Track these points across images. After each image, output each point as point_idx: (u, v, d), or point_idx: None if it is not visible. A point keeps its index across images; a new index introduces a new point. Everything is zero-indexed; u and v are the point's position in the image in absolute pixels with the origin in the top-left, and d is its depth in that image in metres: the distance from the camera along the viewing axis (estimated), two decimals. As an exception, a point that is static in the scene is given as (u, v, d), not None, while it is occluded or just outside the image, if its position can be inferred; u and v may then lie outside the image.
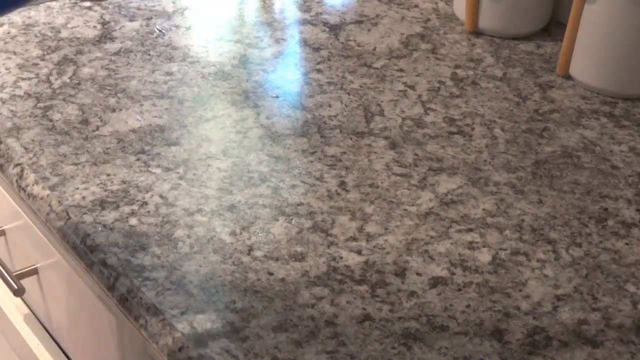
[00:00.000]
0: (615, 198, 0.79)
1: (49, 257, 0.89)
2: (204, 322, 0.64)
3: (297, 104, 0.90)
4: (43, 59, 0.96)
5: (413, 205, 0.77)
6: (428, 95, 0.93)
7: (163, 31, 1.03)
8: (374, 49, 1.01)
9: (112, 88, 0.91)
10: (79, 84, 0.92)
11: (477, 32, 1.05)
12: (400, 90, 0.93)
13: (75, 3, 1.09)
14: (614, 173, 0.82)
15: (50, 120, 0.86)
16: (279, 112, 0.89)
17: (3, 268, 0.91)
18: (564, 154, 0.84)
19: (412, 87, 0.94)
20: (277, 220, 0.74)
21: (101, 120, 0.86)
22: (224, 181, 0.78)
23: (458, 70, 0.97)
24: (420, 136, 0.86)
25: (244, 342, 0.63)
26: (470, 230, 0.74)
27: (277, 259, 0.70)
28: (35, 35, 1.01)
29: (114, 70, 0.94)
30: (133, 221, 0.74)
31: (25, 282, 0.93)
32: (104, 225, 0.73)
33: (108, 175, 0.79)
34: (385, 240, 0.73)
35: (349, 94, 0.92)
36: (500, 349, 0.63)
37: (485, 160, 0.83)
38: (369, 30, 1.05)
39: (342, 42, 1.02)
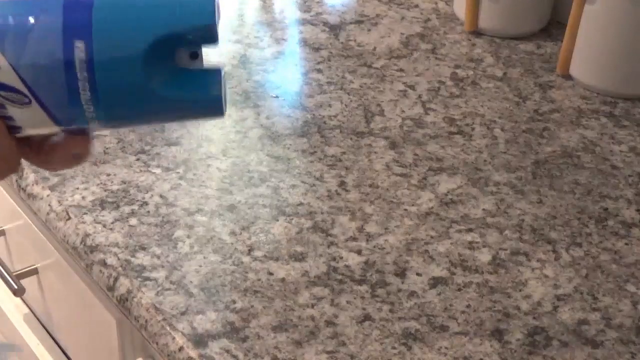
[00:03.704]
0: (615, 198, 0.79)
1: (49, 257, 0.89)
2: (204, 322, 0.64)
3: (297, 104, 0.90)
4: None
5: (413, 205, 0.77)
6: (428, 95, 0.93)
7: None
8: (374, 49, 1.01)
9: (112, 88, 0.91)
10: (79, 84, 0.91)
11: (477, 32, 1.05)
12: (400, 90, 0.93)
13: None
14: (614, 173, 0.82)
15: (50, 120, 0.85)
16: (279, 112, 0.89)
17: (3, 268, 0.91)
18: (564, 154, 0.84)
19: (412, 87, 0.94)
20: (277, 220, 0.74)
21: (101, 120, 0.86)
22: (224, 181, 0.78)
23: (458, 70, 0.97)
24: (420, 136, 0.86)
25: (244, 342, 0.63)
26: (470, 230, 0.74)
27: (277, 259, 0.70)
28: (35, 35, 1.01)
29: (114, 70, 0.94)
30: (133, 221, 0.73)
31: (25, 282, 0.93)
32: (104, 225, 0.73)
33: (108, 175, 0.79)
34: (385, 240, 0.73)
35: (349, 94, 0.92)
36: (500, 349, 0.63)
37: (485, 160, 0.83)
38: (369, 30, 1.05)
39: (342, 42, 1.02)
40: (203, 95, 0.42)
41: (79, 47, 0.39)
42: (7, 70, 0.39)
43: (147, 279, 0.68)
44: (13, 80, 0.39)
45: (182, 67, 0.42)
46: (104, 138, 0.83)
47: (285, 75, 0.96)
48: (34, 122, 0.41)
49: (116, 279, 0.68)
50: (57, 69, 0.39)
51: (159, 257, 0.70)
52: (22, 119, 0.40)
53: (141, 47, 0.40)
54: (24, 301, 1.06)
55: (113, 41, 0.40)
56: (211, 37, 0.42)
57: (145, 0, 0.42)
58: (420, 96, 0.92)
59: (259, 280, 0.68)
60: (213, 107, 0.43)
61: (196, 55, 0.43)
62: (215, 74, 0.43)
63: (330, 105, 0.90)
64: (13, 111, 0.40)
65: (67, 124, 0.41)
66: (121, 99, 0.41)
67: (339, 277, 0.69)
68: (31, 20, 0.40)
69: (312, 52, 1.00)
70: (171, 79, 0.42)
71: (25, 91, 0.39)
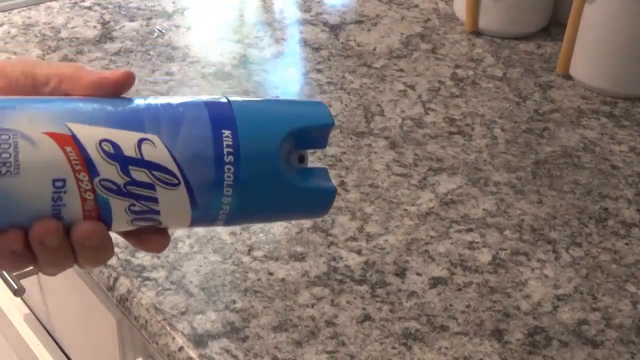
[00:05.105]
0: (615, 198, 0.79)
1: (49, 257, 0.89)
2: (204, 322, 0.64)
3: (297, 104, 0.90)
4: (43, 59, 0.96)
5: (413, 205, 0.77)
6: (428, 95, 0.93)
7: (163, 31, 1.03)
8: (374, 49, 1.01)
9: (112, 88, 0.91)
10: (79, 84, 0.91)
11: (477, 32, 1.05)
12: (400, 90, 0.93)
13: (75, 3, 1.09)
14: (614, 173, 0.82)
15: (50, 120, 0.85)
16: (279, 112, 0.88)
17: (3, 268, 0.91)
18: (564, 154, 0.84)
19: (412, 87, 0.94)
20: (277, 220, 0.74)
21: (101, 120, 0.86)
22: (224, 181, 0.78)
23: (458, 70, 0.97)
24: (420, 136, 0.86)
25: (244, 342, 0.63)
26: (470, 230, 0.74)
27: (277, 259, 0.70)
28: (35, 35, 1.01)
29: (114, 70, 0.94)
30: (133, 221, 0.73)
31: (25, 282, 0.93)
32: (104, 225, 0.73)
33: (108, 175, 0.79)
34: (385, 240, 0.73)
35: (349, 94, 0.92)
36: (500, 349, 0.63)
37: (485, 160, 0.83)
38: (369, 30, 1.05)
39: (342, 42, 1.02)
40: (323, 188, 0.47)
41: (227, 134, 0.43)
42: (162, 150, 0.42)
43: (147, 279, 0.68)
44: (166, 161, 0.42)
45: (296, 165, 0.46)
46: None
47: (285, 75, 0.96)
48: (173, 207, 0.43)
49: (116, 279, 0.68)
50: (207, 153, 0.43)
51: (159, 257, 0.70)
52: (165, 202, 0.43)
53: (278, 137, 0.44)
54: (24, 301, 1.06)
55: (254, 131, 0.44)
56: (323, 139, 0.47)
57: (273, 103, 0.48)
58: (420, 96, 0.92)
59: (259, 280, 0.68)
60: (329, 199, 0.47)
61: (303, 159, 0.47)
62: (325, 171, 0.47)
63: (330, 105, 0.90)
64: (160, 193, 0.42)
65: (201, 212, 0.44)
66: (258, 185, 0.44)
67: (339, 277, 0.69)
68: (180, 110, 0.43)
69: (312, 52, 1.00)
70: (295, 171, 0.46)
71: (177, 172, 0.42)
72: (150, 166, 0.42)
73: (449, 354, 0.63)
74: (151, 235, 0.45)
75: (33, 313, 1.05)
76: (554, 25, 1.06)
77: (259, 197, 0.45)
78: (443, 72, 0.97)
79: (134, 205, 0.42)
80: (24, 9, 1.07)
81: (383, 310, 0.66)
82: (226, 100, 0.45)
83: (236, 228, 0.73)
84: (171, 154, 0.42)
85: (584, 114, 0.91)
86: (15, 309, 1.06)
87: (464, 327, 0.65)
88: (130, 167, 0.42)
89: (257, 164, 0.44)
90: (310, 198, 0.47)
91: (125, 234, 0.45)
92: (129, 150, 0.42)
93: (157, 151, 0.42)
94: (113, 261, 0.69)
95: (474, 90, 0.94)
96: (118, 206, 0.42)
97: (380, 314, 0.65)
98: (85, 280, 0.81)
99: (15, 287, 0.90)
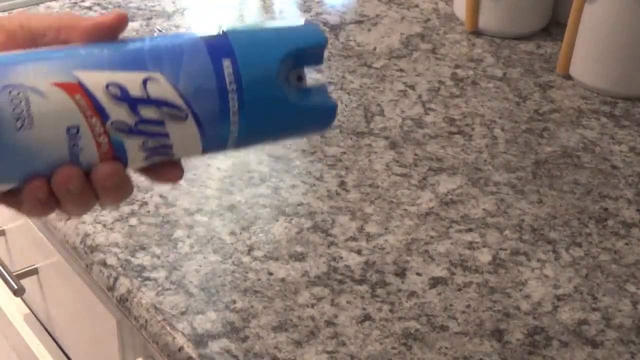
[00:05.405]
0: (615, 198, 0.79)
1: (49, 257, 0.89)
2: (204, 322, 0.64)
3: (297, 104, 0.90)
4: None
5: (413, 205, 0.77)
6: (428, 95, 0.93)
7: (163, 31, 1.02)
8: (374, 49, 1.01)
9: (112, 88, 0.91)
10: (79, 84, 0.91)
11: (477, 32, 1.05)
12: (400, 90, 0.93)
13: (75, 3, 1.09)
14: (614, 173, 0.82)
15: (50, 120, 0.85)
16: (279, 112, 0.88)
17: (3, 268, 0.91)
18: (564, 154, 0.84)
19: (412, 87, 0.94)
20: (277, 220, 0.74)
21: (101, 120, 0.86)
22: (224, 181, 0.78)
23: (458, 70, 0.97)
24: (420, 136, 0.86)
25: (244, 342, 0.63)
26: (470, 230, 0.74)
27: (277, 259, 0.70)
28: (35, 35, 1.01)
29: (114, 70, 0.94)
30: (133, 221, 0.74)
31: (25, 282, 0.93)
32: (104, 225, 0.73)
33: (108, 175, 0.79)
34: (385, 240, 0.73)
35: (349, 94, 0.92)
36: (500, 349, 0.63)
37: (485, 160, 0.83)
38: (369, 30, 1.05)
39: (342, 42, 1.02)
40: (324, 104, 0.48)
41: (226, 64, 0.45)
42: (166, 87, 0.44)
43: (147, 279, 0.68)
44: (172, 96, 0.44)
45: (295, 85, 0.48)
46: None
47: (285, 75, 0.96)
48: (184, 140, 0.45)
49: (116, 279, 0.68)
50: (210, 84, 0.44)
51: (159, 257, 0.70)
52: (176, 135, 0.44)
53: (276, 60, 0.46)
54: (24, 301, 1.06)
55: (252, 57, 0.46)
56: (319, 57, 0.48)
57: (268, 28, 0.49)
58: (420, 96, 0.92)
59: (259, 280, 0.68)
60: (331, 115, 0.49)
61: (301, 78, 0.48)
62: (324, 87, 0.49)
63: (330, 105, 0.90)
64: (170, 127, 0.44)
65: (210, 141, 0.46)
66: (262, 109, 0.46)
67: (339, 277, 0.69)
68: (179, 46, 0.45)
69: (312, 52, 1.00)
70: (296, 91, 0.47)
71: (183, 105, 0.44)
72: (158, 103, 0.44)
73: (449, 354, 0.63)
74: (166, 167, 0.47)
75: (33, 313, 1.05)
76: (554, 25, 1.06)
77: (264, 120, 0.47)
78: (443, 72, 0.97)
79: (146, 142, 0.44)
80: (24, 9, 1.07)
81: (383, 310, 0.66)
82: (221, 31, 0.46)
83: (236, 228, 0.73)
84: (176, 88, 0.44)
85: (584, 114, 0.91)
86: (15, 309, 1.06)
87: (464, 327, 0.65)
88: (138, 107, 0.43)
89: (259, 88, 0.46)
90: (312, 115, 0.49)
91: (140, 170, 0.47)
92: (136, 91, 0.43)
93: (162, 88, 0.44)
94: (113, 261, 0.70)
95: (474, 90, 0.94)
96: (132, 145, 0.44)
97: (380, 314, 0.66)
98: (85, 280, 0.81)
99: (15, 287, 0.90)
